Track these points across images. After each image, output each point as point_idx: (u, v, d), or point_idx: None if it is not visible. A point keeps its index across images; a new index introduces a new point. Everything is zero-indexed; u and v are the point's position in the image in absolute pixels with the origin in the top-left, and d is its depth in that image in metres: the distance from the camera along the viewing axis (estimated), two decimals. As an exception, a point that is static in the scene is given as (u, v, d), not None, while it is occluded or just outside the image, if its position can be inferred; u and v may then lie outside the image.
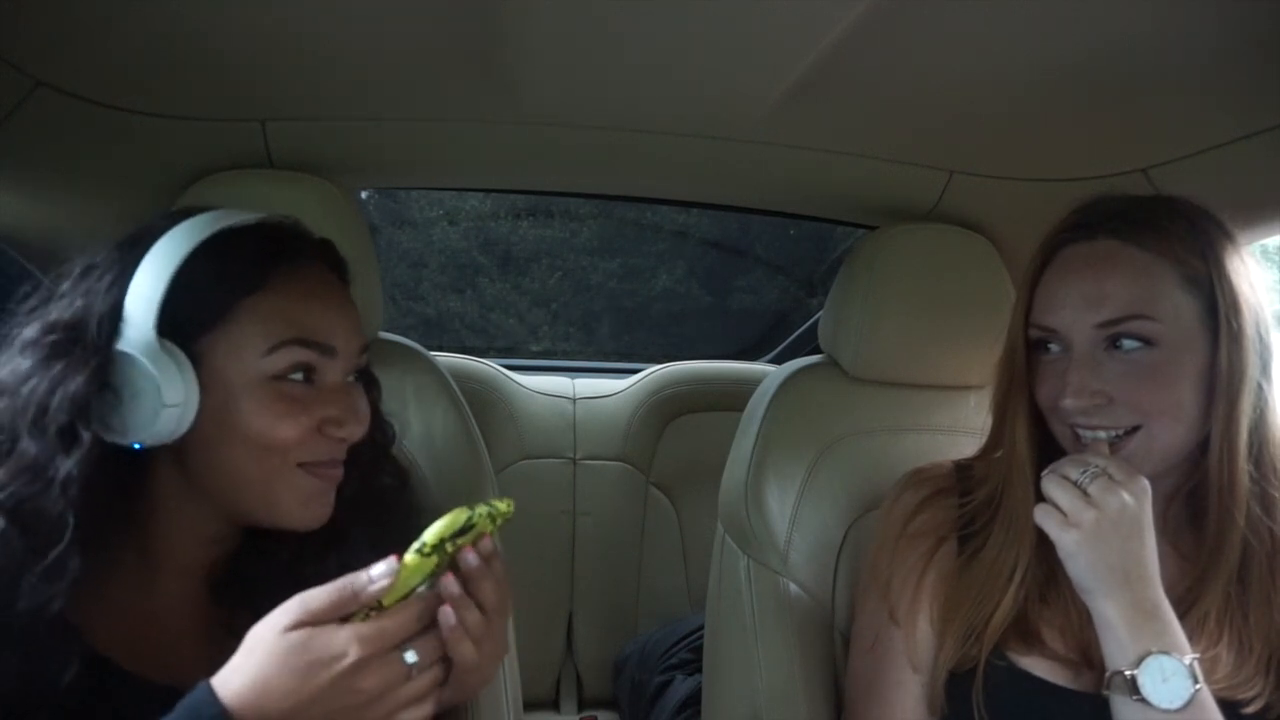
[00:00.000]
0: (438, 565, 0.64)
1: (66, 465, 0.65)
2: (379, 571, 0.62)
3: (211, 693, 0.59)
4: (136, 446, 0.69)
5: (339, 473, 0.77)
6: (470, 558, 0.65)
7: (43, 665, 0.64)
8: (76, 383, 0.65)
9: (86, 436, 0.65)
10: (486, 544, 0.67)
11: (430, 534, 0.63)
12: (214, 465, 0.72)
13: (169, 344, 0.68)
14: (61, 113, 0.90)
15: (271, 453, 0.72)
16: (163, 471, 0.74)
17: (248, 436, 0.71)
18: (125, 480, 0.71)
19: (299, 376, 0.73)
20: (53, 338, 0.67)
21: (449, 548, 0.64)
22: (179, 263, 0.69)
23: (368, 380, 0.86)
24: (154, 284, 0.68)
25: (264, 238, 0.75)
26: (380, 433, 0.87)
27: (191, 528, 0.76)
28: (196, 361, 0.69)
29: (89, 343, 0.67)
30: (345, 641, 0.60)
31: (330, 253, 0.82)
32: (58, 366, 0.66)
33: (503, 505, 0.66)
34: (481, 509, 0.65)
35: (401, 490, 0.89)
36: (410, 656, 0.62)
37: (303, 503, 0.74)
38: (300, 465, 0.74)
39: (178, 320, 0.69)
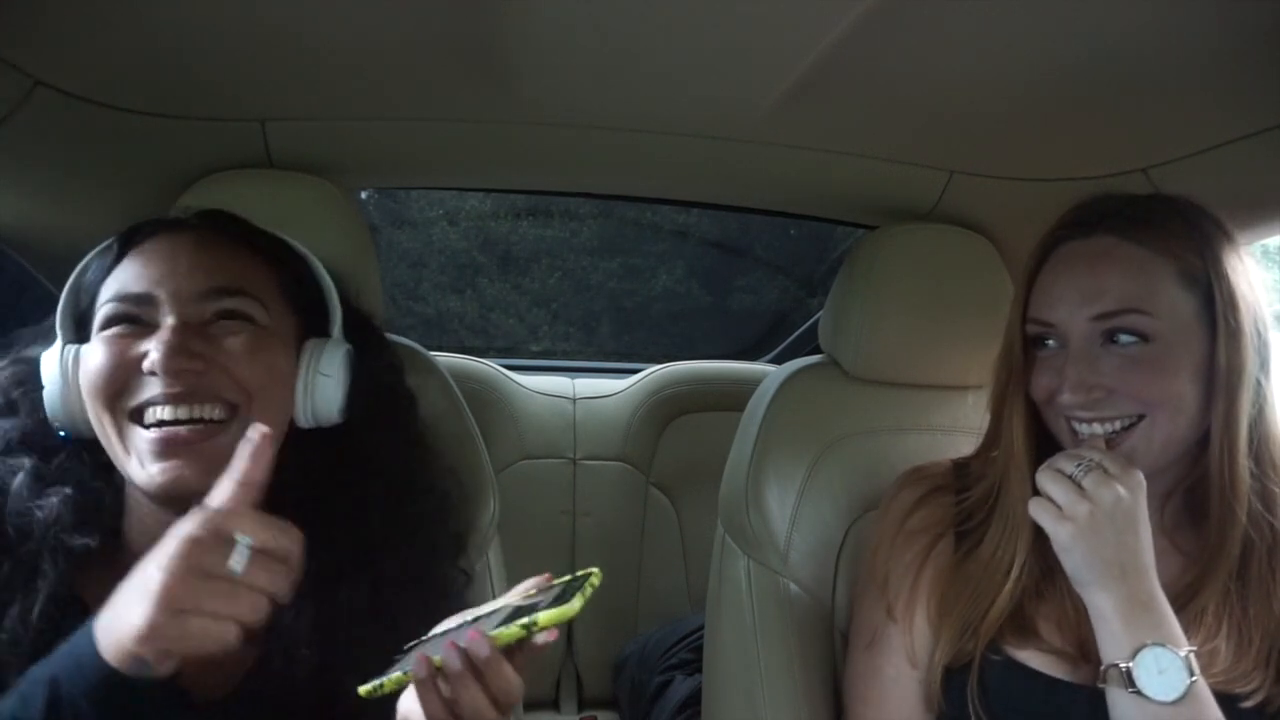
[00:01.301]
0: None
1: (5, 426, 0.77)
2: (255, 434, 0.62)
3: (89, 634, 0.60)
4: (61, 434, 0.77)
5: (189, 432, 0.72)
6: (546, 635, 0.61)
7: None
8: (8, 373, 0.81)
9: (22, 412, 0.78)
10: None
11: (544, 617, 0.59)
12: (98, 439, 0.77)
13: (74, 339, 0.78)
14: (61, 113, 0.90)
15: (101, 404, 0.73)
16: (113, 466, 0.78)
17: (86, 393, 0.75)
18: (94, 473, 0.77)
19: (120, 329, 0.75)
20: (14, 368, 0.82)
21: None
22: (80, 265, 0.80)
23: (364, 348, 0.86)
24: (65, 289, 0.80)
25: (137, 225, 0.81)
26: (397, 404, 0.89)
27: (153, 514, 0.76)
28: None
29: (26, 359, 0.82)
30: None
31: (216, 218, 0.83)
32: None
33: (596, 580, 0.65)
34: (588, 591, 0.63)
35: (439, 515, 0.88)
36: (237, 558, 0.57)
37: (141, 461, 0.72)
38: (138, 420, 0.73)
39: (75, 317, 0.79)
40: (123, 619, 0.57)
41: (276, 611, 0.62)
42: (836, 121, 1.01)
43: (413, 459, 0.88)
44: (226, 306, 0.77)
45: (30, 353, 0.81)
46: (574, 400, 1.90)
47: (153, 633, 0.56)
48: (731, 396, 1.71)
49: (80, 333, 0.78)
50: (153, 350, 0.72)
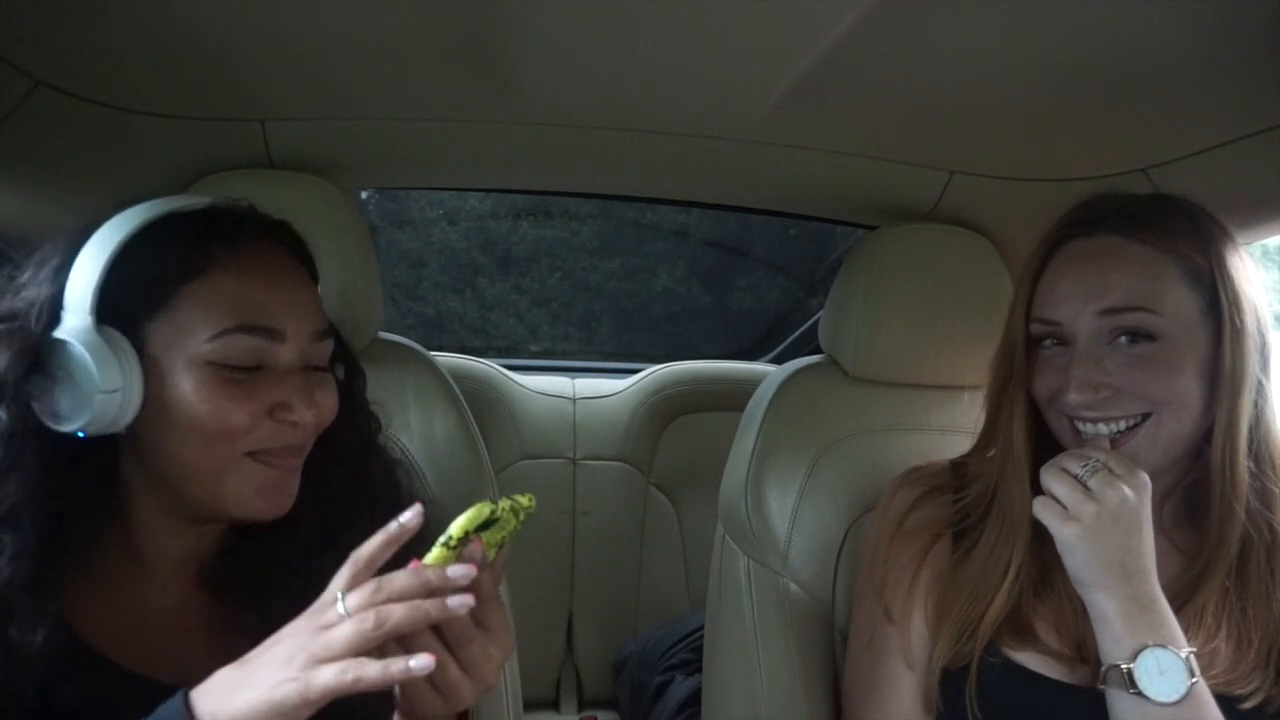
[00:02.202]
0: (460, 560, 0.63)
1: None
2: (407, 516, 0.62)
3: (184, 703, 0.58)
4: (81, 435, 0.68)
5: (296, 462, 0.75)
6: (475, 551, 0.63)
7: (19, 646, 0.64)
8: (7, 364, 0.66)
9: (2, 414, 0.65)
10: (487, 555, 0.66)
11: (455, 527, 0.62)
12: (163, 454, 0.71)
13: (110, 330, 0.68)
14: (61, 113, 0.90)
15: (219, 441, 0.70)
16: (125, 464, 0.74)
17: (193, 424, 0.69)
18: (91, 470, 0.71)
19: (246, 362, 0.71)
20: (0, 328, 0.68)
21: (475, 540, 0.63)
22: (116, 249, 0.69)
23: (352, 369, 0.85)
24: (91, 271, 0.68)
25: (204, 221, 0.73)
26: (365, 424, 0.86)
27: (164, 521, 0.75)
28: (141, 349, 0.69)
29: (26, 330, 0.67)
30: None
31: (286, 234, 0.80)
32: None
33: (524, 500, 0.65)
34: (504, 502, 0.64)
35: (392, 482, 0.88)
36: (342, 605, 0.59)
37: (255, 492, 0.72)
38: (251, 455, 0.72)
39: (119, 307, 0.68)
40: (245, 693, 0.57)
41: (263, 611, 0.63)
42: (836, 121, 1.01)
43: (368, 454, 0.88)
44: (328, 347, 0.79)
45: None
46: (574, 400, 1.90)
47: (293, 692, 0.56)
48: (731, 396, 1.71)
49: (121, 322, 0.69)
50: (302, 407, 0.73)
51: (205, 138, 1.02)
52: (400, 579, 0.59)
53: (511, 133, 1.09)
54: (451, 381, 1.11)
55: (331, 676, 0.56)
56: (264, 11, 0.78)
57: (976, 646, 0.82)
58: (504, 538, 0.65)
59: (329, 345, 0.79)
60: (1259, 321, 0.80)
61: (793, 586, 1.06)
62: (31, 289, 0.69)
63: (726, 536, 1.15)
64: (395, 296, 2.65)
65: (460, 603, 0.59)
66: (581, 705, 1.83)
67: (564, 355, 2.70)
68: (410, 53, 0.87)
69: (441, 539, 0.63)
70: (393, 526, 0.62)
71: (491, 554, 0.64)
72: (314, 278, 0.82)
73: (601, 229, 2.74)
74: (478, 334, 2.73)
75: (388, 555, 0.62)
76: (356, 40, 0.84)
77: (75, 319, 0.67)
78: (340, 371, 0.83)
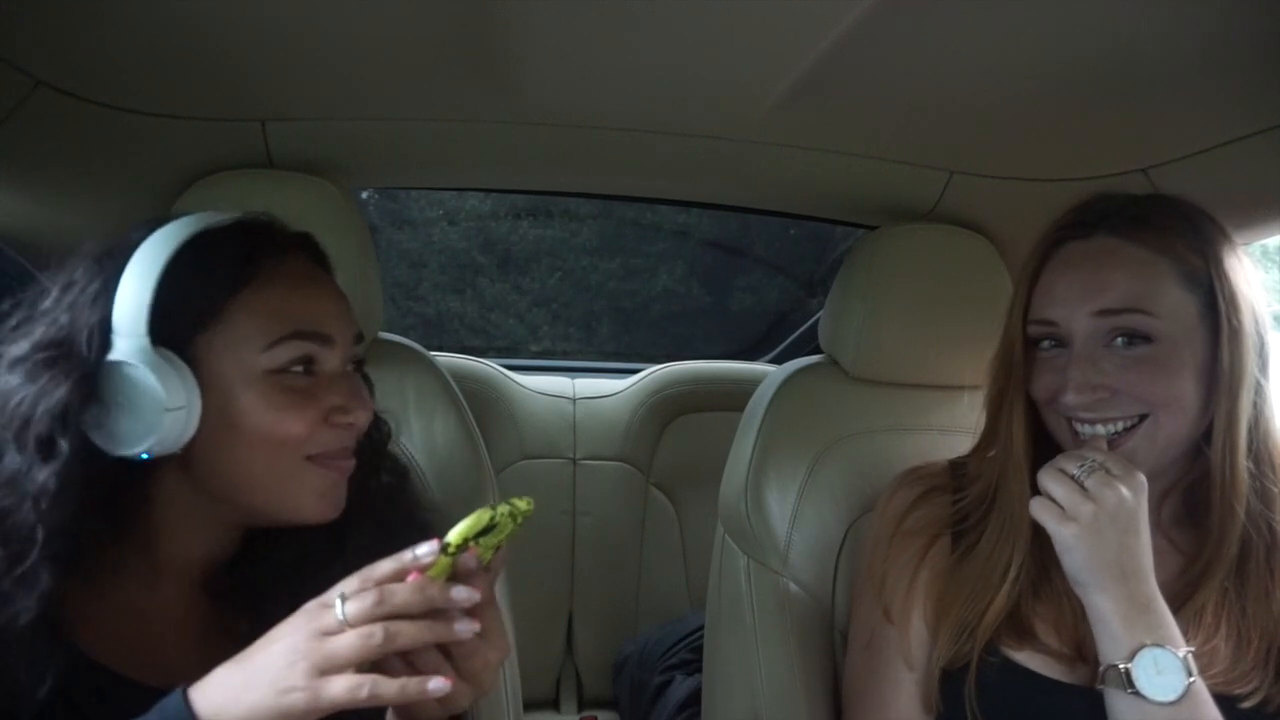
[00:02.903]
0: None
1: (43, 476, 0.64)
2: (423, 550, 0.62)
3: (183, 700, 0.58)
4: (145, 456, 0.68)
5: (350, 463, 0.77)
6: (469, 560, 0.63)
7: (22, 674, 0.63)
8: (58, 395, 0.65)
9: (65, 447, 0.64)
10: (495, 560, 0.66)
11: (455, 533, 0.62)
12: (223, 468, 0.72)
13: (163, 349, 0.68)
14: (61, 113, 0.90)
15: (282, 449, 0.71)
16: (168, 479, 0.73)
17: (256, 434, 0.70)
18: (124, 490, 0.70)
19: (300, 369, 0.73)
20: (41, 355, 0.67)
21: (471, 547, 0.63)
22: (163, 267, 0.69)
23: (362, 377, 0.86)
24: (140, 291, 0.68)
25: (244, 234, 0.75)
26: (377, 430, 0.87)
27: (196, 533, 0.76)
28: (194, 364, 0.69)
29: (78, 357, 0.66)
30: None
31: (310, 245, 0.82)
32: (43, 380, 0.65)
33: (523, 504, 0.65)
34: (503, 508, 0.64)
35: (401, 488, 0.89)
36: (340, 609, 0.58)
37: (318, 496, 0.74)
38: (310, 459, 0.73)
39: (169, 324, 0.68)
40: (249, 696, 0.57)
41: (266, 609, 0.63)
42: (836, 121, 1.01)
43: (379, 461, 0.89)
44: (362, 351, 0.81)
45: (17, 351, 0.68)
46: (574, 400, 1.90)
47: (301, 701, 0.56)
48: (731, 396, 1.71)
49: (175, 340, 0.69)
50: (357, 409, 0.75)
51: (205, 138, 1.02)
52: (403, 593, 0.59)
53: (511, 133, 1.09)
54: (451, 382, 1.11)
55: (344, 691, 0.56)
56: (264, 11, 0.78)
57: (976, 646, 0.82)
58: (500, 541, 0.65)
59: (363, 349, 0.82)
60: (1257, 322, 0.81)
61: (793, 586, 1.06)
62: (67, 314, 0.68)
63: (726, 536, 1.15)
64: (395, 296, 2.65)
65: (467, 629, 0.60)
66: (581, 705, 1.83)
67: (564, 355, 2.70)
68: (410, 53, 0.87)
69: (438, 546, 0.63)
70: (408, 556, 0.62)
71: (487, 557, 0.64)
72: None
73: (601, 229, 2.74)
74: (478, 334, 2.73)
75: (399, 580, 0.61)
76: (356, 40, 0.84)
77: (129, 341, 0.67)
78: None
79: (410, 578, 0.61)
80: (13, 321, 0.70)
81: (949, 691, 0.84)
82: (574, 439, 1.85)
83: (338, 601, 0.59)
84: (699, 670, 1.32)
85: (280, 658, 0.58)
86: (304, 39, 0.84)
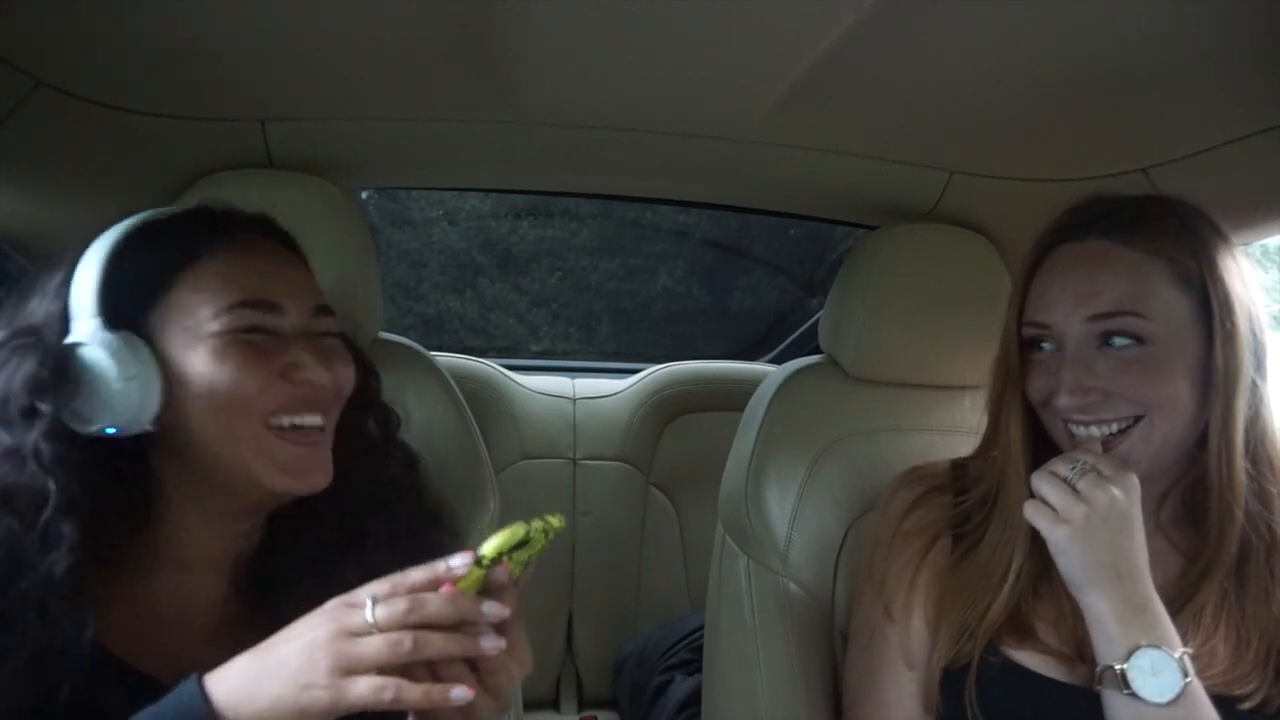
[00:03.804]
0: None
1: (33, 438, 0.68)
2: (457, 562, 0.62)
3: (199, 688, 0.58)
4: (110, 431, 0.70)
5: (321, 436, 0.77)
6: (502, 574, 0.64)
7: (57, 647, 0.64)
8: (27, 368, 0.70)
9: (46, 409, 0.69)
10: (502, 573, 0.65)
11: (489, 546, 0.62)
12: (190, 440, 0.73)
13: (119, 330, 0.71)
14: (61, 113, 0.90)
15: (236, 410, 0.72)
16: (167, 468, 0.75)
17: (212, 395, 0.72)
18: (127, 474, 0.73)
19: (252, 334, 0.74)
20: (16, 342, 0.72)
21: (504, 561, 0.63)
22: (109, 251, 0.74)
23: (366, 370, 0.87)
24: (89, 276, 0.73)
25: (188, 219, 0.79)
26: (384, 419, 0.88)
27: (208, 525, 0.77)
28: (150, 340, 0.72)
29: (44, 341, 0.72)
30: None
31: (267, 225, 0.83)
32: (15, 361, 0.71)
33: (555, 521, 0.66)
34: (537, 523, 0.64)
35: (410, 477, 0.89)
36: (370, 612, 0.59)
37: (282, 470, 0.74)
38: (275, 430, 0.74)
39: (120, 305, 0.72)
40: (268, 688, 0.57)
41: (286, 603, 0.63)
42: (836, 121, 1.01)
43: (389, 448, 0.89)
44: (333, 326, 0.82)
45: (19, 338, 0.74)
46: (574, 400, 1.90)
47: (322, 699, 0.56)
48: (731, 396, 1.71)
49: (125, 319, 0.73)
50: (311, 364, 0.75)
51: (205, 138, 1.02)
52: (435, 604, 0.59)
53: (511, 133, 1.09)
54: (451, 381, 1.11)
55: (368, 692, 0.56)
56: (264, 11, 0.78)
57: (976, 646, 0.83)
58: (530, 557, 0.65)
59: (333, 320, 0.82)
60: (1252, 323, 0.80)
61: (793, 586, 1.06)
62: (43, 304, 0.74)
63: (726, 536, 1.15)
64: (395, 296, 2.65)
65: (495, 646, 0.60)
66: (581, 705, 1.83)
67: (564, 355, 2.70)
68: (410, 53, 0.87)
69: (472, 558, 0.62)
70: (441, 566, 0.62)
71: (516, 572, 0.65)
72: (305, 262, 0.85)
73: (601, 229, 2.74)
74: (478, 334, 2.73)
75: (431, 589, 0.62)
76: (356, 40, 0.84)
77: (83, 323, 0.72)
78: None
79: (443, 589, 0.61)
80: (8, 311, 0.75)
81: (949, 691, 0.84)
82: (574, 439, 1.85)
83: (368, 603, 0.59)
84: (699, 670, 1.32)
85: (303, 653, 0.58)
86: (304, 39, 0.84)
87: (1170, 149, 0.98)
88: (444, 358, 1.75)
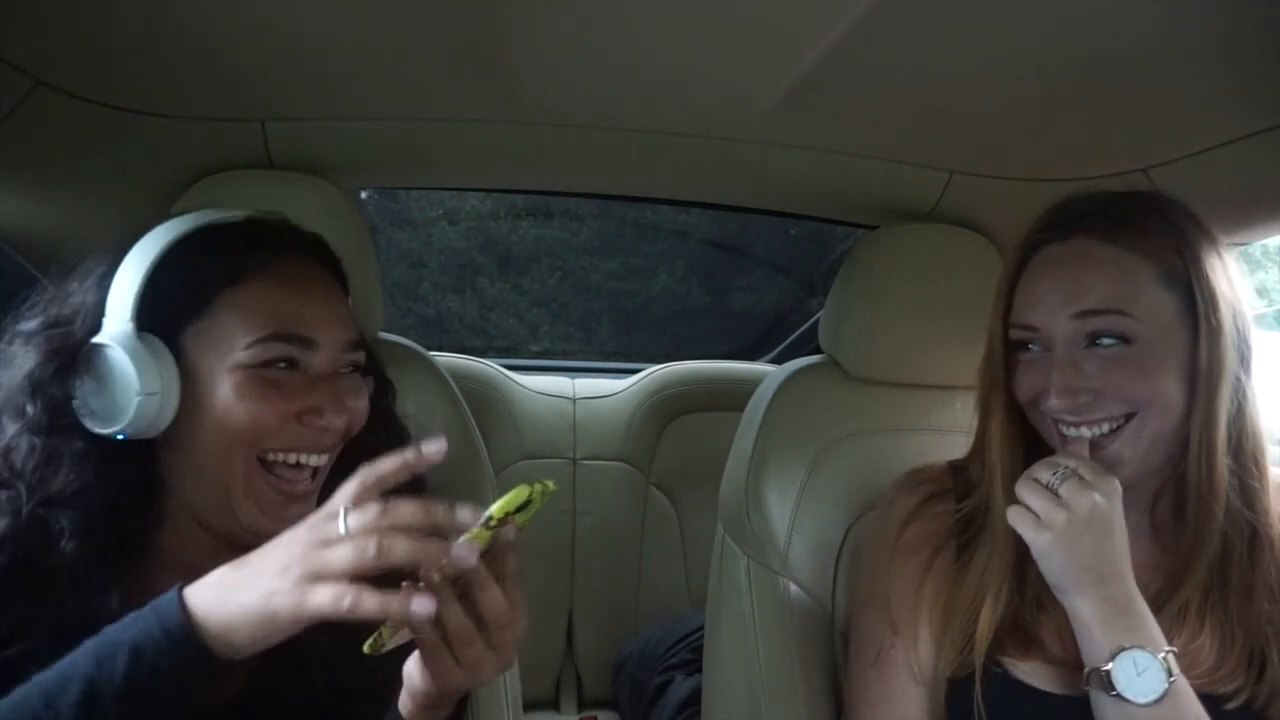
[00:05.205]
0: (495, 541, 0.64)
1: (11, 432, 0.70)
2: (466, 516, 0.61)
3: (177, 594, 0.59)
4: (120, 436, 0.70)
5: (306, 487, 0.76)
6: (509, 532, 0.63)
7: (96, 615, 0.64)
8: (28, 365, 0.71)
9: (31, 411, 0.70)
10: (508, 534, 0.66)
11: (497, 507, 0.62)
12: (187, 458, 0.73)
13: (148, 336, 0.70)
14: (61, 113, 0.90)
15: (240, 440, 0.71)
16: (166, 468, 0.75)
17: (221, 422, 0.71)
18: (131, 470, 0.72)
19: (282, 366, 0.73)
20: (47, 332, 0.72)
21: (509, 521, 0.63)
22: (156, 257, 0.72)
23: (381, 384, 0.86)
24: (131, 278, 0.71)
25: (242, 232, 0.77)
26: (396, 437, 0.87)
27: (199, 531, 0.76)
28: (179, 355, 0.71)
29: (71, 335, 0.71)
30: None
31: (320, 248, 0.82)
32: (46, 350, 0.71)
33: (551, 485, 0.66)
34: (537, 486, 0.65)
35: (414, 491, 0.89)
36: (343, 522, 0.58)
37: (260, 511, 0.73)
38: (266, 466, 0.73)
39: (157, 313, 0.71)
40: (240, 596, 0.58)
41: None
42: (836, 121, 1.01)
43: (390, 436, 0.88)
44: (360, 360, 0.81)
45: (27, 327, 0.74)
46: (574, 400, 1.90)
47: (286, 606, 0.56)
48: (731, 396, 1.71)
49: (160, 328, 0.72)
50: (330, 412, 0.74)
51: (205, 138, 1.02)
52: (407, 508, 0.58)
53: (511, 133, 1.09)
54: (451, 381, 1.11)
55: (328, 599, 0.55)
56: (264, 11, 0.78)
57: (977, 656, 0.82)
58: (528, 519, 0.66)
59: (361, 355, 0.81)
60: (1237, 319, 0.80)
61: (793, 586, 1.06)
62: (78, 296, 0.73)
63: (726, 536, 1.15)
64: (395, 296, 2.65)
65: (464, 556, 0.59)
66: (581, 705, 1.83)
67: (564, 355, 2.70)
68: (410, 53, 0.87)
69: (481, 519, 0.62)
70: (410, 452, 0.61)
71: (521, 522, 0.65)
72: (345, 290, 0.84)
73: (601, 229, 2.74)
74: (478, 334, 2.73)
75: (399, 480, 0.61)
76: (356, 40, 0.84)
77: (116, 325, 0.71)
78: (370, 385, 0.84)
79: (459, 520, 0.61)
80: (34, 300, 0.75)
81: (954, 701, 0.84)
82: (574, 439, 1.85)
83: (341, 512, 0.59)
84: (699, 670, 1.32)
85: (276, 563, 0.58)
86: (304, 39, 0.84)
87: (1170, 149, 0.98)
88: (444, 358, 1.75)
